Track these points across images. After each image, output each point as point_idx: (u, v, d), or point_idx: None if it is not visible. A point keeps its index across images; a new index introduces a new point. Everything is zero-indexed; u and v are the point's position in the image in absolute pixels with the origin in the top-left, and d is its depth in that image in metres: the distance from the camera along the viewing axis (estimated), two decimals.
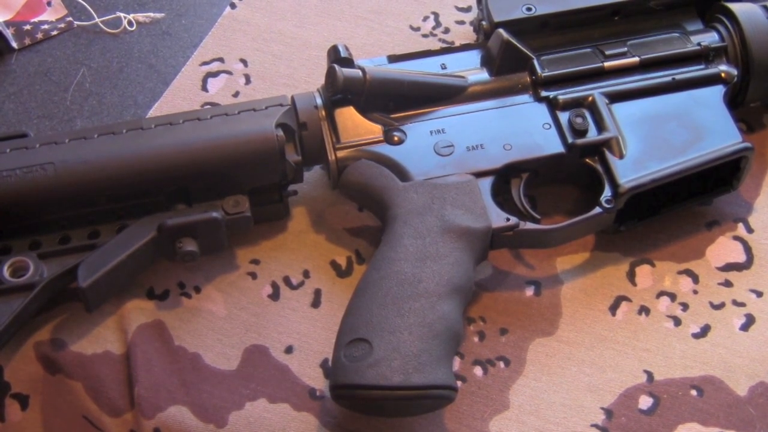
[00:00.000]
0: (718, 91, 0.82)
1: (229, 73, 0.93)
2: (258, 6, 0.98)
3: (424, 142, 0.79)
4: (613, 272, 0.81)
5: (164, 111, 0.89)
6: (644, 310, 0.79)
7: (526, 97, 0.82)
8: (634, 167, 0.78)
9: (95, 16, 0.99)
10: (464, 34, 0.95)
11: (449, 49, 0.86)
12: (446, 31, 0.95)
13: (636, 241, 0.82)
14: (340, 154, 0.79)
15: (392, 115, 0.80)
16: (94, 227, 0.77)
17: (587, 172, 0.79)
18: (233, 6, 0.98)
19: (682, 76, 0.82)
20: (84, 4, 1.00)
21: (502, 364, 0.77)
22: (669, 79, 0.82)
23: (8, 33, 0.98)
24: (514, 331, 0.78)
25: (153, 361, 0.77)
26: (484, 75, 0.82)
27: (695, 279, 0.80)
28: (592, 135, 0.79)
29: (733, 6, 0.84)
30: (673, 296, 0.79)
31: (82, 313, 0.77)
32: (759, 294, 0.79)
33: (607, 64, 0.82)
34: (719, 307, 0.79)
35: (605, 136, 0.79)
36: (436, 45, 0.93)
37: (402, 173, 0.78)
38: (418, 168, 0.78)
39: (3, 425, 0.77)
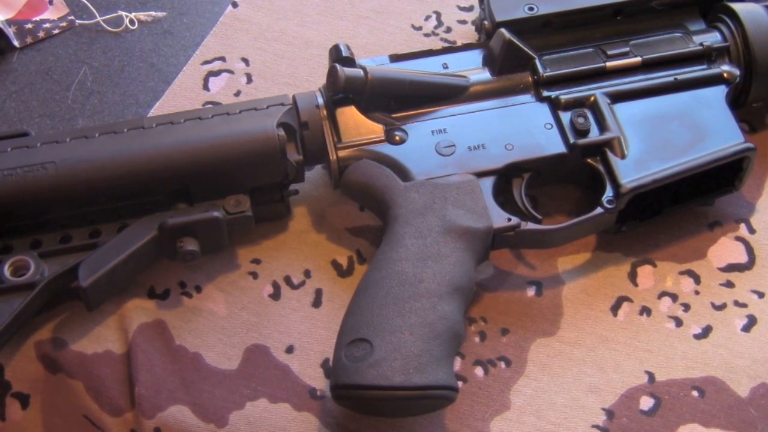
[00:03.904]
0: (720, 92, 0.81)
1: (230, 72, 0.93)
2: (260, 5, 0.98)
3: (426, 142, 0.79)
4: (615, 272, 0.81)
5: (165, 110, 0.89)
6: (645, 310, 0.79)
7: (527, 97, 0.81)
8: (635, 167, 0.77)
9: (97, 14, 0.99)
10: (466, 33, 0.95)
11: (451, 49, 0.86)
12: (448, 30, 0.95)
13: (637, 242, 0.82)
14: (342, 153, 0.79)
15: (394, 115, 0.80)
16: (95, 226, 0.77)
17: (589, 172, 0.79)
18: (235, 5, 0.98)
19: (684, 76, 0.82)
20: (86, 2, 1.00)
21: (503, 365, 0.76)
22: (671, 79, 0.81)
23: (10, 31, 0.98)
24: (515, 332, 0.78)
25: (154, 360, 0.77)
26: (485, 75, 0.82)
27: (697, 279, 0.80)
28: (594, 135, 0.79)
29: (735, 6, 0.84)
30: (674, 297, 0.79)
31: (82, 312, 0.77)
32: (761, 295, 0.79)
33: (609, 64, 0.82)
34: (721, 307, 0.79)
35: (607, 136, 0.79)
36: (437, 44, 0.93)
37: (403, 173, 0.78)
38: (420, 168, 0.78)
39: (3, 424, 0.77)
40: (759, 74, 0.83)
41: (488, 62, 0.83)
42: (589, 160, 0.79)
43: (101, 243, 0.76)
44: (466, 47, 0.85)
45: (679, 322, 0.78)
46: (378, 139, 0.79)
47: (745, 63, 0.83)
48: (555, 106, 0.80)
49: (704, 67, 0.82)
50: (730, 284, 0.80)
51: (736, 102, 0.84)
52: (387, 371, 0.67)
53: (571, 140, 0.79)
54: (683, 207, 0.82)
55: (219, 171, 0.77)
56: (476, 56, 0.84)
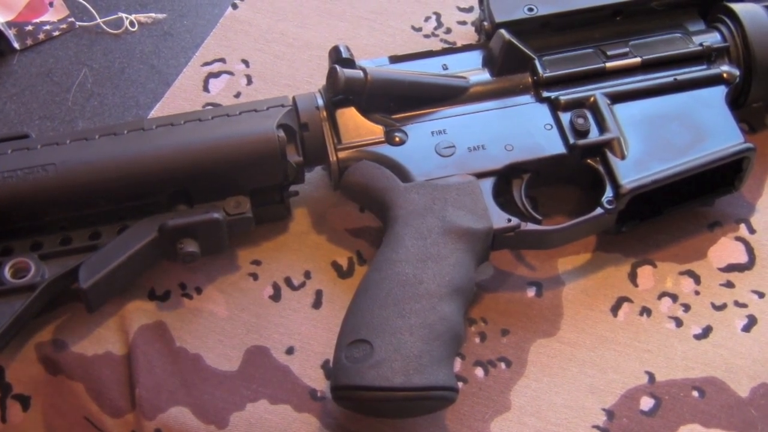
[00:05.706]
0: (719, 92, 0.82)
1: (230, 73, 0.93)
2: (259, 7, 0.98)
3: (426, 143, 0.79)
4: (615, 273, 0.81)
5: (166, 112, 0.89)
6: (646, 311, 0.79)
7: (527, 98, 0.82)
8: (635, 168, 0.77)
9: (97, 16, 0.99)
10: (466, 34, 0.95)
11: (451, 50, 0.86)
12: (448, 31, 0.95)
13: (637, 242, 0.82)
14: (342, 154, 0.79)
15: (393, 116, 0.80)
16: (95, 228, 0.77)
17: (589, 173, 0.79)
18: (235, 6, 0.98)
19: (683, 77, 0.82)
20: (86, 4, 1.00)
21: (503, 365, 0.76)
22: (671, 79, 0.82)
23: (10, 34, 0.98)
24: (515, 332, 0.78)
25: (154, 362, 0.77)
26: (485, 75, 0.82)
27: (697, 280, 0.80)
28: (594, 136, 0.79)
29: (735, 6, 0.84)
30: (674, 297, 0.79)
31: (83, 314, 0.77)
32: (761, 295, 0.79)
33: (608, 64, 0.82)
34: (721, 308, 0.79)
35: (607, 136, 0.79)
36: (437, 45, 0.93)
37: (403, 174, 0.78)
38: (420, 169, 0.78)
39: (4, 426, 0.77)
40: (758, 74, 0.83)
41: (488, 63, 0.83)
42: (588, 161, 0.79)
43: (101, 245, 0.76)
44: (466, 48, 0.85)
45: (679, 323, 0.78)
46: (378, 140, 0.79)
47: (744, 63, 0.83)
48: (555, 106, 0.80)
49: (704, 67, 0.83)
50: (730, 284, 0.80)
51: (736, 102, 0.84)
52: (387, 372, 0.67)
53: (571, 141, 0.79)
54: (683, 207, 0.82)
55: (219, 172, 0.77)
56: (476, 57, 0.84)
